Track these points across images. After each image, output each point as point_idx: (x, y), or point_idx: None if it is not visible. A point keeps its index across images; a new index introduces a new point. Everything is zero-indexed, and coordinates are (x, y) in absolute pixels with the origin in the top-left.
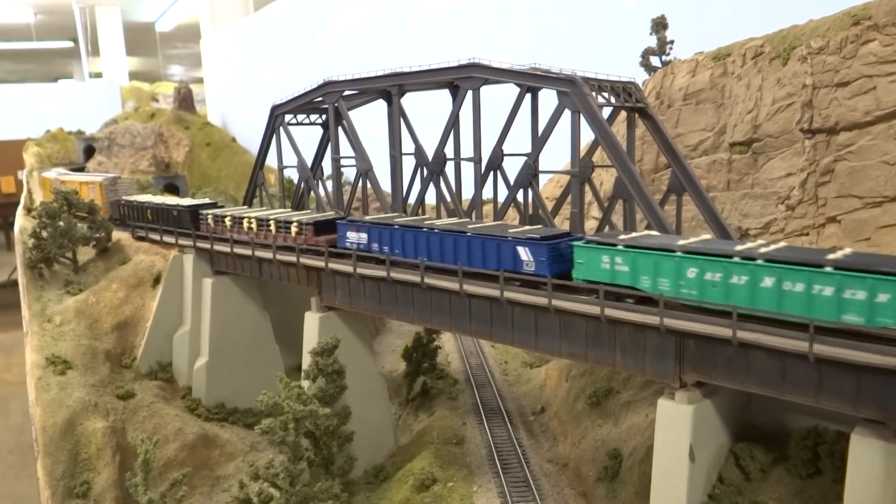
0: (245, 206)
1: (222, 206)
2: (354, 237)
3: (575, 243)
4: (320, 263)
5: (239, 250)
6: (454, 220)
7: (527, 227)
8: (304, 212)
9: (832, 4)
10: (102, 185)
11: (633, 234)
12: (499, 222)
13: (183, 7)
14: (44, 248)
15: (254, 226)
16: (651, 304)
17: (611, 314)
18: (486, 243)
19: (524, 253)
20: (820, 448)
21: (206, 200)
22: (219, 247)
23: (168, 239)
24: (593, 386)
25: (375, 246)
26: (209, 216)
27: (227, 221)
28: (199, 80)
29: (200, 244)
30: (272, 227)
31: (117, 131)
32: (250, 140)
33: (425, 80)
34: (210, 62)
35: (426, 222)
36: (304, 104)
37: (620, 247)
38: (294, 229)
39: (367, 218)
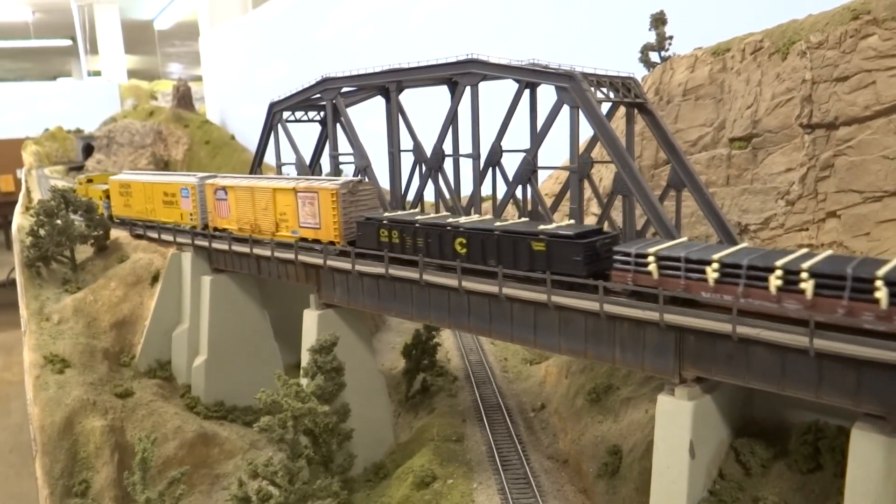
0: (709, 241)
1: (610, 234)
2: None
3: None
4: (319, 261)
5: (237, 247)
6: None
7: None
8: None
9: None
10: (338, 195)
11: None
12: None
13: (181, 5)
14: (41, 247)
15: (809, 289)
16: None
17: (610, 310)
18: None
19: None
20: (821, 443)
21: (590, 226)
22: (217, 244)
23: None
24: (593, 382)
25: None
26: (650, 257)
27: (712, 272)
28: (198, 78)
29: (199, 241)
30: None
31: (116, 129)
32: (249, 138)
33: (423, 76)
34: (209, 60)
35: None
36: (301, 101)
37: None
38: None
39: None
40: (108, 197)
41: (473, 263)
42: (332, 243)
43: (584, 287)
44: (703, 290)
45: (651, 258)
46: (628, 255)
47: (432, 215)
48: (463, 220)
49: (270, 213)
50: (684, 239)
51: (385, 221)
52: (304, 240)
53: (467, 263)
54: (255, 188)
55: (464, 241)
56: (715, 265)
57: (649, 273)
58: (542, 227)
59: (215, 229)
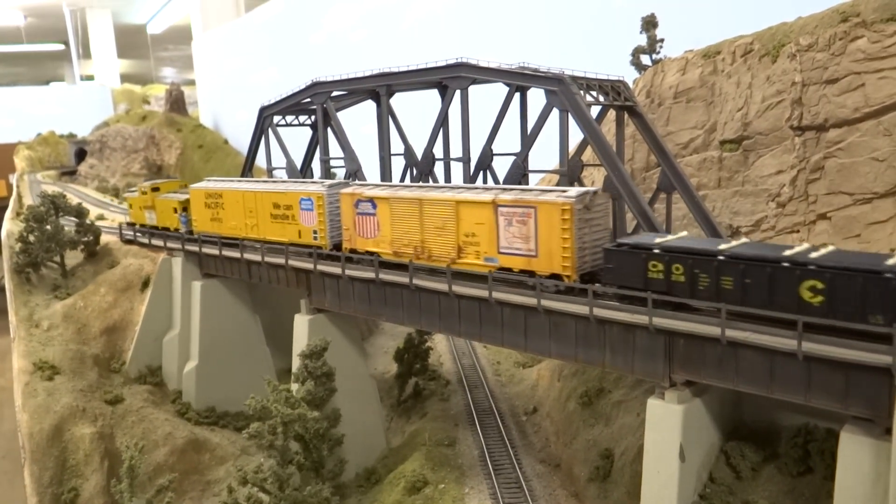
0: None
1: None
2: None
3: None
4: (309, 265)
5: (227, 252)
6: None
7: None
8: None
9: (821, 1)
10: (572, 211)
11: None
12: None
13: (174, 9)
14: (31, 253)
15: None
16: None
17: (600, 314)
18: None
19: None
20: (810, 446)
21: None
22: (207, 249)
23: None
24: (585, 385)
25: None
26: None
27: None
28: (191, 82)
29: (189, 247)
30: None
31: (109, 134)
32: (242, 142)
33: (413, 80)
34: (202, 64)
35: None
36: (292, 105)
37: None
38: None
39: None
40: (185, 209)
41: (837, 319)
42: (555, 276)
43: None
44: None
45: None
46: None
47: (735, 243)
48: (810, 251)
49: (451, 233)
50: None
51: (658, 251)
52: (504, 269)
53: (823, 319)
54: (426, 199)
55: (819, 284)
56: None
57: None
58: None
59: (353, 251)
